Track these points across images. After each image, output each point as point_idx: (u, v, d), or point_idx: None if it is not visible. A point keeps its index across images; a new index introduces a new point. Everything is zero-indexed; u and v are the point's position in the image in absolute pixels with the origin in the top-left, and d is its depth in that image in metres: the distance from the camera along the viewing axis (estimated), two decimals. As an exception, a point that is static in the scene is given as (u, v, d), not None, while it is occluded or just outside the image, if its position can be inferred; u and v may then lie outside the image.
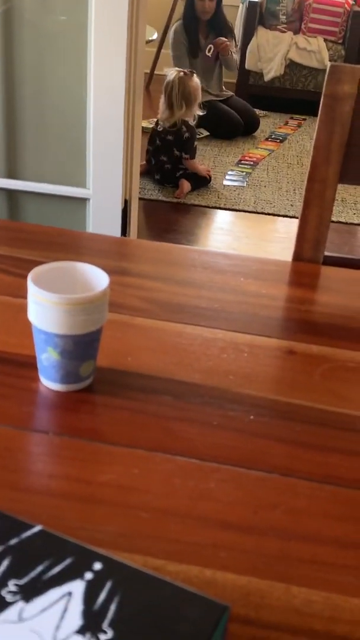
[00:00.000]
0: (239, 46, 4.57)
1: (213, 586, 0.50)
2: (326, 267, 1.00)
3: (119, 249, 1.02)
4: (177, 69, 3.50)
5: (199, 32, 4.03)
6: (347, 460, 0.63)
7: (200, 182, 3.46)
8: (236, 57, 4.19)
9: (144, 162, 3.42)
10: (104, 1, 1.82)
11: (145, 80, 4.47)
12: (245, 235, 3.16)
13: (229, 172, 3.64)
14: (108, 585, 0.41)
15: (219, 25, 4.04)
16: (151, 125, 3.61)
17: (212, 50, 4.01)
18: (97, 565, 0.42)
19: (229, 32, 4.13)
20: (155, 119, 3.47)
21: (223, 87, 4.20)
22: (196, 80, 3.41)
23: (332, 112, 0.93)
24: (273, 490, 0.59)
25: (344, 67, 0.91)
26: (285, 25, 4.65)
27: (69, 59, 1.93)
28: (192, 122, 3.44)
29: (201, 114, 3.54)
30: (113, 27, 1.85)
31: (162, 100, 3.41)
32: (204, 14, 3.98)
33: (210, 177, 3.47)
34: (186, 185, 3.37)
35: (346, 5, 4.54)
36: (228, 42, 4.00)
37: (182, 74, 3.38)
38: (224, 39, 4.00)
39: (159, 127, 3.41)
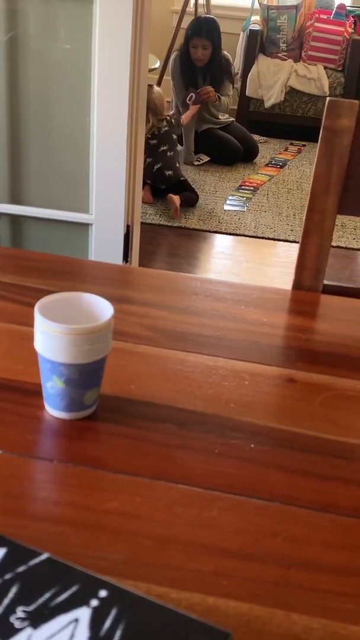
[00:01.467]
0: (239, 77, 4.62)
1: (215, 613, 0.51)
2: (326, 295, 1.02)
3: (122, 277, 1.04)
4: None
5: (195, 74, 4.05)
6: (347, 489, 0.64)
7: (190, 198, 3.51)
8: (226, 99, 4.12)
9: (146, 186, 3.47)
10: (107, 30, 1.86)
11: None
12: (245, 260, 3.18)
13: (230, 198, 3.68)
14: (113, 612, 0.42)
15: (214, 71, 4.05)
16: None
17: (193, 98, 3.96)
18: (103, 593, 0.43)
19: (227, 77, 4.12)
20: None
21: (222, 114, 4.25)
22: (156, 89, 3.56)
23: (331, 145, 0.95)
24: (274, 518, 0.60)
25: (343, 102, 0.93)
26: (285, 53, 4.71)
27: (72, 86, 1.97)
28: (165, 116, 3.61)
29: (171, 112, 3.72)
30: (116, 55, 1.89)
31: None
32: (198, 61, 4.00)
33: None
34: (175, 199, 3.41)
35: (345, 34, 4.61)
36: (211, 92, 3.95)
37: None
38: (209, 88, 3.96)
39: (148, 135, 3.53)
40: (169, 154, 3.56)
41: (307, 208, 1.00)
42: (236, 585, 0.54)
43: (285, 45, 4.71)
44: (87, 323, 0.67)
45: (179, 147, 3.70)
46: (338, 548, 0.58)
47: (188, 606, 0.51)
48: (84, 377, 0.67)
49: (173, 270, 2.96)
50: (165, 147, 3.56)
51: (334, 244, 3.25)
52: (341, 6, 4.70)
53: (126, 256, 2.17)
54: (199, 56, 3.97)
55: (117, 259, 2.12)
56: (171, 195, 3.44)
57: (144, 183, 3.47)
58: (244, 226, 3.40)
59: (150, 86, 3.48)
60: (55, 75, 1.96)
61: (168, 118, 3.61)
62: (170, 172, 3.54)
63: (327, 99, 0.94)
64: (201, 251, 3.21)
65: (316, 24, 4.64)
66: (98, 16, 1.85)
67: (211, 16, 4.14)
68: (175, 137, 3.63)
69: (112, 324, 0.68)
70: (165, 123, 3.58)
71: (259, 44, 4.70)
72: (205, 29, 3.93)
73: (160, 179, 3.54)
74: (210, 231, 3.35)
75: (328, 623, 0.51)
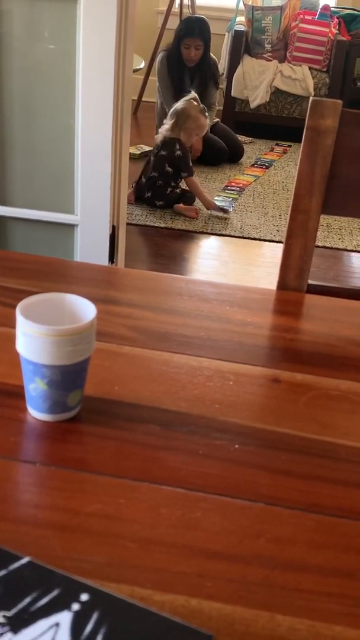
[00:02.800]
0: (224, 77, 4.63)
1: (199, 615, 0.51)
2: (310, 295, 1.02)
3: (107, 277, 1.03)
4: (195, 96, 3.58)
5: (183, 74, 4.03)
6: (331, 489, 0.64)
7: (191, 200, 3.52)
8: (211, 113, 4.12)
9: (131, 187, 3.46)
10: (91, 30, 1.86)
11: (132, 107, 4.53)
12: (232, 260, 3.19)
13: (216, 198, 3.68)
14: (95, 616, 0.41)
15: (203, 72, 4.05)
16: (138, 152, 3.66)
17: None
18: (84, 596, 0.42)
19: (214, 83, 4.11)
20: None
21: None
22: (200, 116, 3.46)
23: (315, 145, 0.95)
24: (258, 519, 0.60)
25: (326, 102, 0.93)
26: (270, 54, 4.73)
27: (57, 87, 1.96)
28: (179, 137, 3.50)
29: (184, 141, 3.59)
30: (100, 55, 1.88)
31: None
32: (189, 61, 3.99)
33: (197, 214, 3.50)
34: (183, 208, 3.44)
35: (330, 35, 4.63)
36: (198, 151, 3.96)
37: (195, 102, 3.48)
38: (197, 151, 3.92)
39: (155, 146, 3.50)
40: (158, 183, 3.46)
41: (291, 208, 1.00)
42: (220, 586, 0.53)
43: (270, 46, 4.73)
44: (70, 324, 0.67)
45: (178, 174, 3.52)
46: (322, 548, 0.58)
47: (172, 608, 0.51)
48: (67, 378, 0.67)
49: (159, 270, 2.95)
50: (155, 174, 3.46)
51: (319, 244, 3.26)
52: (326, 7, 4.72)
53: (112, 257, 2.17)
54: (191, 56, 3.97)
55: (102, 259, 2.11)
56: (178, 205, 3.43)
57: (171, 194, 3.46)
58: (230, 227, 3.40)
59: (198, 106, 3.47)
60: (39, 76, 1.95)
61: (180, 144, 3.46)
62: (161, 202, 3.47)
63: (311, 98, 0.94)
64: (187, 252, 3.21)
65: (301, 25, 4.65)
66: (82, 16, 1.84)
67: (202, 16, 4.13)
68: (169, 169, 3.46)
69: (95, 324, 0.68)
70: (178, 146, 3.43)
71: (244, 45, 4.70)
72: (197, 29, 3.93)
73: (159, 197, 3.51)
74: (196, 232, 3.34)
75: (312, 624, 0.51)
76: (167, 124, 3.49)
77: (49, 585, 0.43)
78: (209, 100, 4.10)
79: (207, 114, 4.06)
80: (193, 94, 3.60)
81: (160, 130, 3.54)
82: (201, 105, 3.55)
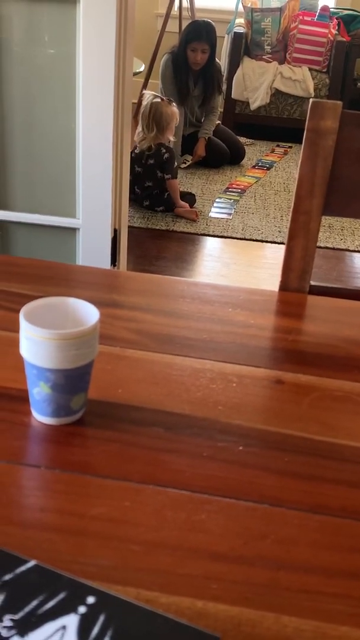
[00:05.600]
0: (224, 79, 4.63)
1: (205, 617, 0.51)
2: (312, 296, 1.02)
3: (109, 281, 1.03)
4: (153, 93, 3.54)
5: (188, 78, 4.03)
6: (335, 489, 0.64)
7: (192, 201, 3.52)
8: (214, 118, 4.17)
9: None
10: (91, 35, 1.86)
11: (133, 110, 4.53)
12: (234, 262, 3.19)
13: (217, 200, 3.69)
14: (101, 618, 0.41)
15: (208, 76, 4.04)
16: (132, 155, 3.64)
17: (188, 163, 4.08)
18: (91, 599, 0.43)
19: (217, 89, 4.11)
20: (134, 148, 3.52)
21: None
22: (172, 108, 3.45)
23: (315, 146, 0.96)
24: (263, 520, 0.60)
25: (326, 104, 0.93)
26: (270, 55, 4.73)
27: (57, 91, 1.96)
28: (170, 144, 3.48)
29: (172, 139, 3.59)
30: (100, 59, 1.89)
31: (139, 122, 3.48)
32: (195, 64, 3.97)
33: (196, 216, 3.49)
34: (183, 211, 3.43)
35: (329, 35, 4.63)
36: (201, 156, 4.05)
37: (157, 99, 3.44)
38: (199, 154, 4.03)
39: (136, 149, 3.46)
40: (154, 192, 3.45)
41: (292, 210, 1.00)
42: (226, 588, 0.54)
43: (269, 47, 4.73)
44: (73, 328, 0.67)
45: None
46: (327, 549, 0.58)
47: (178, 611, 0.51)
48: (71, 382, 0.67)
49: (161, 273, 2.96)
50: (149, 184, 3.45)
51: (322, 245, 3.27)
52: (325, 8, 4.72)
53: (114, 260, 2.17)
54: (197, 60, 3.96)
55: (104, 263, 2.11)
56: (178, 209, 3.44)
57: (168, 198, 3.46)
58: (232, 228, 3.41)
59: (165, 101, 3.45)
60: (40, 80, 1.96)
61: (166, 147, 3.44)
62: (161, 208, 3.47)
63: (311, 100, 0.94)
64: (189, 254, 3.21)
65: (300, 26, 4.66)
66: (82, 20, 1.84)
67: (208, 20, 4.14)
68: (160, 174, 3.44)
69: (98, 328, 0.68)
70: (164, 150, 3.41)
71: (244, 47, 4.71)
72: (205, 33, 3.93)
73: (158, 204, 3.50)
74: (198, 234, 3.35)
75: (318, 624, 0.51)
76: (148, 133, 3.43)
77: (55, 589, 0.43)
78: (212, 104, 4.11)
79: (210, 116, 4.11)
80: (146, 92, 3.58)
81: (138, 140, 3.49)
82: (165, 98, 3.53)
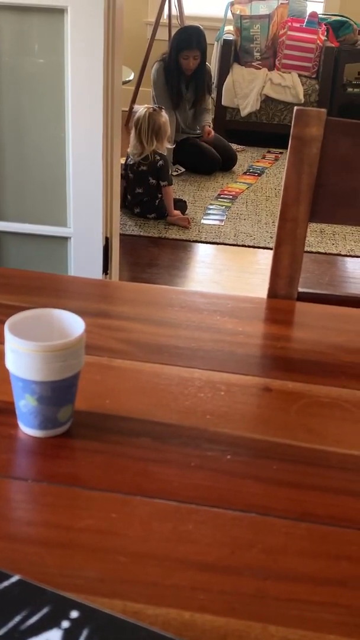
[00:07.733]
0: (214, 86, 4.66)
1: (192, 628, 0.51)
2: (300, 303, 1.03)
3: (98, 291, 1.04)
4: (146, 105, 3.56)
5: (180, 83, 4.08)
6: (323, 497, 0.64)
7: (183, 208, 3.52)
8: (208, 115, 4.27)
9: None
10: (79, 44, 1.86)
11: (123, 118, 4.54)
12: (226, 268, 3.19)
13: (209, 207, 3.69)
14: (85, 633, 0.41)
15: (200, 78, 4.09)
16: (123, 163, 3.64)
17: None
18: (74, 614, 0.42)
19: (207, 90, 4.19)
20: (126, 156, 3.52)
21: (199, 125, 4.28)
22: (165, 115, 3.48)
23: (300, 153, 0.96)
24: (250, 530, 0.60)
25: (310, 111, 0.94)
26: (259, 62, 4.75)
27: (47, 100, 1.97)
28: (163, 151, 3.50)
29: (170, 146, 3.61)
30: (89, 68, 1.89)
31: (132, 134, 3.48)
32: (188, 70, 4.05)
33: (189, 223, 3.49)
34: (176, 219, 3.43)
35: (318, 41, 4.65)
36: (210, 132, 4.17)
37: (151, 110, 3.46)
38: (207, 130, 4.13)
39: (129, 160, 3.46)
40: (144, 199, 3.46)
41: (279, 217, 1.01)
42: (212, 599, 0.53)
43: (259, 54, 4.75)
44: (59, 339, 0.67)
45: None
46: (315, 557, 0.58)
47: (164, 622, 0.51)
48: (57, 394, 0.67)
49: (154, 280, 2.96)
50: (140, 190, 3.46)
51: (313, 249, 3.27)
52: (313, 14, 4.74)
53: (106, 268, 2.17)
54: (190, 66, 4.03)
55: (96, 271, 2.11)
56: (170, 217, 3.45)
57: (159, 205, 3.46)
58: (224, 235, 3.41)
59: (157, 110, 3.46)
60: (29, 90, 1.96)
61: (159, 154, 3.45)
62: (153, 215, 3.48)
63: (295, 108, 0.95)
64: (182, 261, 3.22)
65: (289, 32, 4.68)
66: (69, 29, 1.85)
67: (196, 25, 4.17)
68: (152, 181, 3.45)
69: (84, 339, 0.68)
70: (158, 157, 3.43)
71: (233, 54, 4.73)
72: (195, 40, 3.99)
73: (149, 211, 3.51)
74: (190, 241, 3.35)
75: (305, 634, 0.51)
76: (148, 147, 3.44)
77: (38, 603, 0.43)
78: (205, 105, 4.20)
79: (205, 116, 4.15)
80: (136, 106, 3.60)
81: (133, 152, 3.50)
82: (156, 106, 3.56)
